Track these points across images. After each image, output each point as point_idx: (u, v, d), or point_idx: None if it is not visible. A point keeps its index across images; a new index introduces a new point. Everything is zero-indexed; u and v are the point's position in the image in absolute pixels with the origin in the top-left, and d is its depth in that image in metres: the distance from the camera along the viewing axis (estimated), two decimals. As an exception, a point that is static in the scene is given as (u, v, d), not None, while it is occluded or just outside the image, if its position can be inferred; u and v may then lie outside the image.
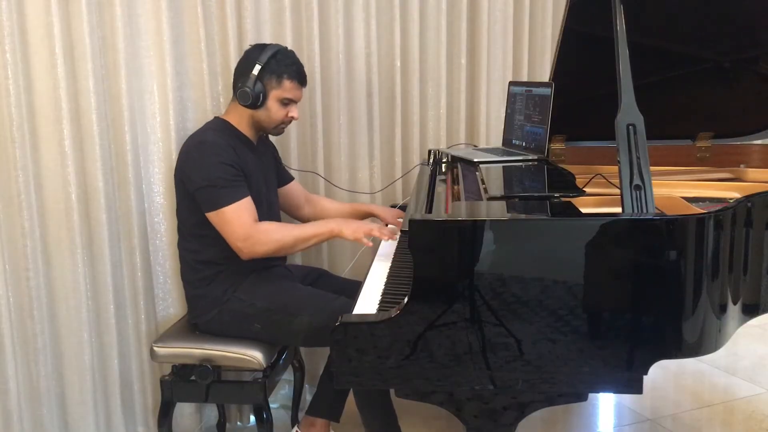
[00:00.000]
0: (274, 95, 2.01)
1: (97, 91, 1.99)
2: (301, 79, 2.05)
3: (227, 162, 1.92)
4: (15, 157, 1.91)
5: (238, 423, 2.45)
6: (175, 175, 2.04)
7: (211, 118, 2.15)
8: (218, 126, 2.04)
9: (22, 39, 1.91)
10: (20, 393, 2.02)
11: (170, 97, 2.12)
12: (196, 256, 2.02)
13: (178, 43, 2.15)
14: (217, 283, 2.01)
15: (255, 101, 1.99)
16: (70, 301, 2.05)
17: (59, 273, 2.04)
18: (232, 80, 2.05)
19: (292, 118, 2.08)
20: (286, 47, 2.07)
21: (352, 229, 1.95)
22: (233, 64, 2.24)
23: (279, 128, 2.10)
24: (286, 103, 2.03)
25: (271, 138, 2.27)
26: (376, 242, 2.15)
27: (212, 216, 1.92)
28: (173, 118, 2.13)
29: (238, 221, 1.90)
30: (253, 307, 1.98)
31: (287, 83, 2.01)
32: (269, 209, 2.12)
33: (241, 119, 2.05)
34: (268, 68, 1.99)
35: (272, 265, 2.11)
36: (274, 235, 1.94)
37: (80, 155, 2.01)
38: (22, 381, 2.02)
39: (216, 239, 1.96)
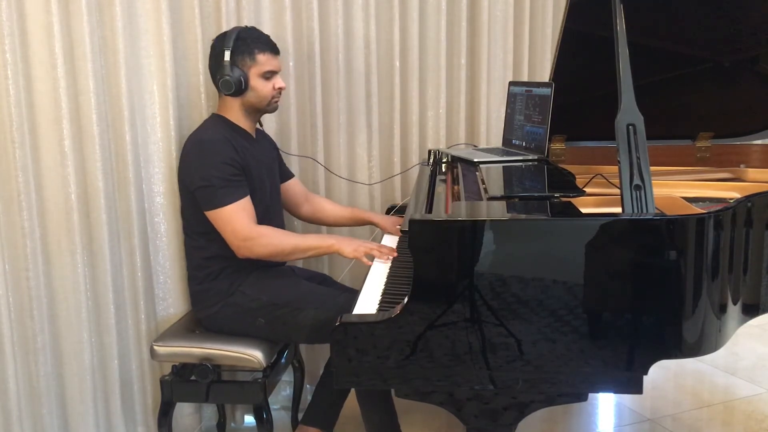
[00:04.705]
0: (253, 73, 2.02)
1: (97, 91, 1.99)
2: (272, 48, 2.05)
3: (226, 161, 1.93)
4: (15, 157, 1.91)
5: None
6: (178, 176, 2.06)
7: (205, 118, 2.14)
8: (216, 123, 2.05)
9: (22, 39, 1.90)
10: (20, 393, 2.01)
11: (170, 97, 2.12)
12: (202, 253, 2.04)
13: (178, 43, 2.15)
14: (223, 277, 2.02)
15: (239, 87, 2.00)
16: (70, 301, 2.05)
17: (59, 273, 2.03)
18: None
19: (281, 89, 2.08)
20: (246, 26, 2.08)
21: (352, 248, 1.94)
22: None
23: (272, 104, 2.09)
24: (268, 77, 2.04)
25: (272, 135, 2.27)
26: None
27: (211, 215, 1.94)
28: (173, 118, 2.13)
29: (238, 222, 1.91)
30: (258, 302, 1.98)
31: (261, 57, 2.02)
32: (272, 199, 2.13)
33: (235, 111, 2.06)
34: (238, 50, 1.99)
35: (277, 263, 2.12)
36: (273, 240, 1.96)
37: (80, 155, 2.01)
38: (22, 381, 2.02)
39: (221, 235, 1.97)
